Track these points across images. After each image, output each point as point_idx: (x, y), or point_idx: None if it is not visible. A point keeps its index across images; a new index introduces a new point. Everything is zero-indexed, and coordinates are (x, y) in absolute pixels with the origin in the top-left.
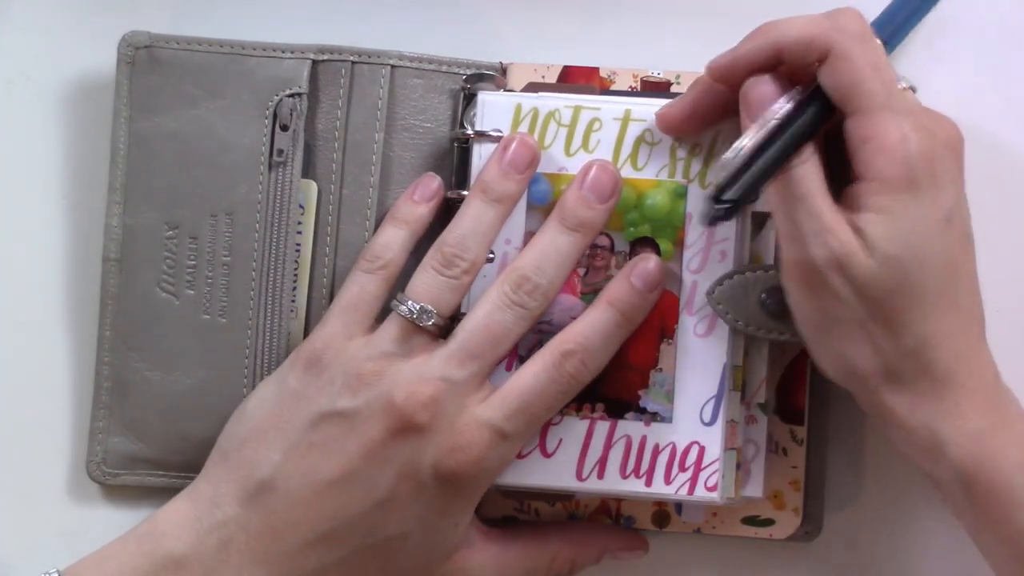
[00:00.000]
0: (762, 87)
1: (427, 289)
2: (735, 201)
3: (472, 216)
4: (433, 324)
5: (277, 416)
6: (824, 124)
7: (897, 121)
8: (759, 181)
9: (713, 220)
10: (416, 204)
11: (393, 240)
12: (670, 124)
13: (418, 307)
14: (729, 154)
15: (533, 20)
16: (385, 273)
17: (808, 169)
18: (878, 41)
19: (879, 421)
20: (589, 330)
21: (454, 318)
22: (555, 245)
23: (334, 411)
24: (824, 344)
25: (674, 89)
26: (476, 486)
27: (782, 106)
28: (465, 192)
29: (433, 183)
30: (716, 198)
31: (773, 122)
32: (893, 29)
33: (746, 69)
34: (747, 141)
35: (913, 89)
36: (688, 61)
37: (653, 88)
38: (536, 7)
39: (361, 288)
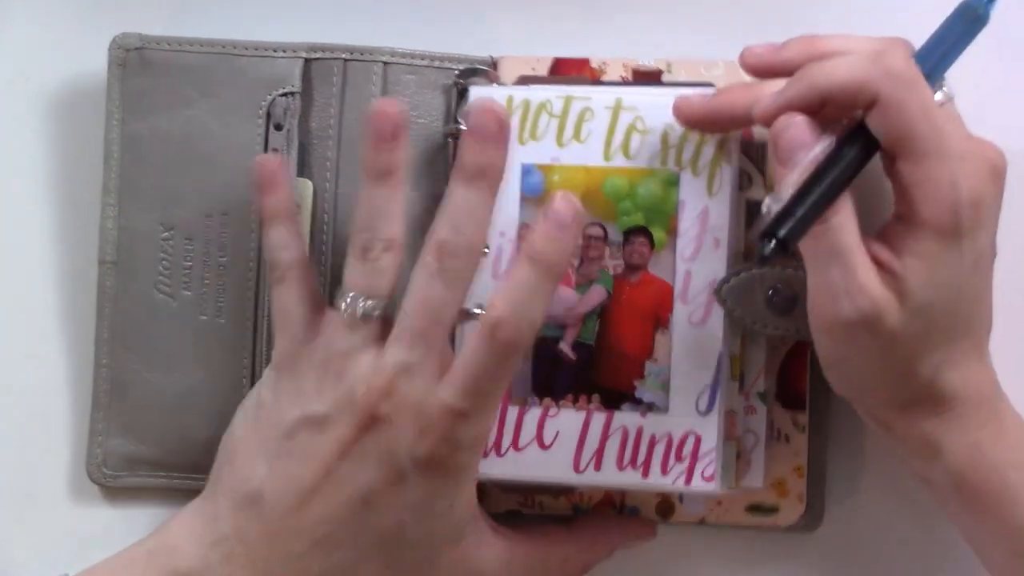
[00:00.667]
0: (794, 131)
1: (355, 279)
2: (786, 239)
3: (366, 200)
4: (370, 308)
5: (256, 429)
6: (863, 166)
7: (948, 166)
8: (810, 218)
9: (764, 260)
10: (270, 195)
11: (279, 238)
12: (688, 118)
13: (356, 299)
14: (781, 191)
15: (523, 13)
16: (294, 272)
17: (844, 220)
18: (926, 82)
19: (875, 428)
20: (516, 291)
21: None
22: (463, 201)
23: (304, 417)
24: (838, 376)
25: (665, 78)
26: (455, 464)
27: (826, 143)
28: None
29: (266, 165)
30: (767, 235)
31: (819, 157)
32: (934, 63)
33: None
34: (796, 177)
35: (950, 98)
36: (679, 49)
37: (644, 78)
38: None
39: (282, 298)
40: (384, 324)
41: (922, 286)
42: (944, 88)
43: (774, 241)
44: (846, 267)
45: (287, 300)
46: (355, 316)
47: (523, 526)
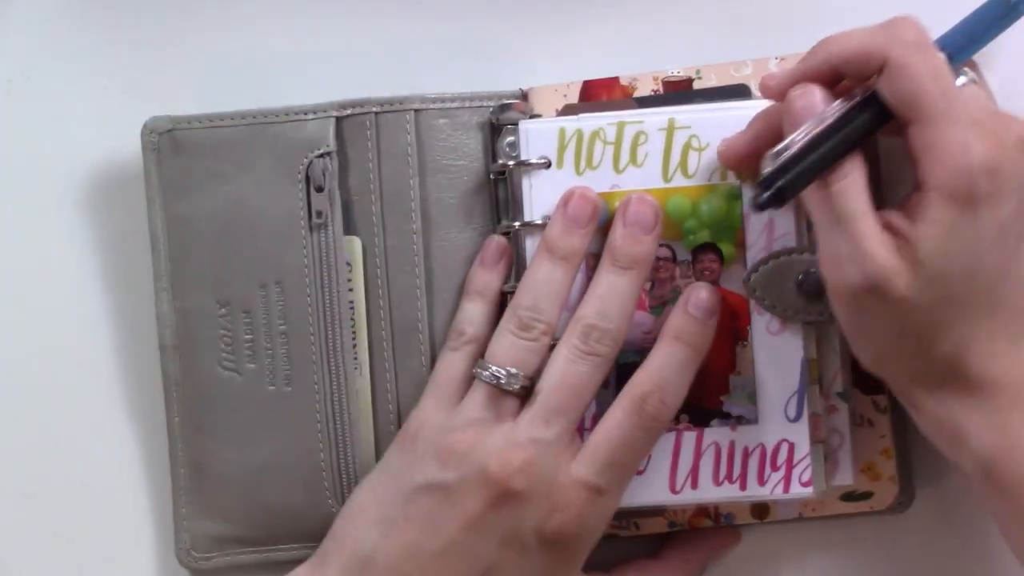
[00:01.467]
0: (808, 97)
1: (508, 353)
2: (781, 190)
3: (543, 277)
4: (520, 387)
5: (375, 493)
6: (873, 132)
7: (959, 130)
8: (807, 175)
9: (758, 207)
10: (484, 271)
11: (473, 313)
12: (734, 160)
13: (504, 372)
14: (780, 146)
15: (545, 41)
16: (470, 348)
17: (850, 185)
18: (937, 49)
19: (905, 406)
20: (663, 367)
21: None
22: (614, 288)
23: (428, 484)
24: (860, 346)
25: (696, 86)
26: (580, 544)
27: (837, 107)
28: (515, 224)
29: (494, 247)
30: (762, 185)
31: (829, 121)
32: (958, 46)
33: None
34: (799, 136)
35: (974, 81)
36: (704, 55)
37: (676, 88)
38: (543, 25)
39: (449, 364)
40: (517, 403)
41: (935, 253)
42: (967, 71)
43: (769, 192)
44: (852, 233)
45: (453, 367)
46: (501, 388)
47: (614, 568)
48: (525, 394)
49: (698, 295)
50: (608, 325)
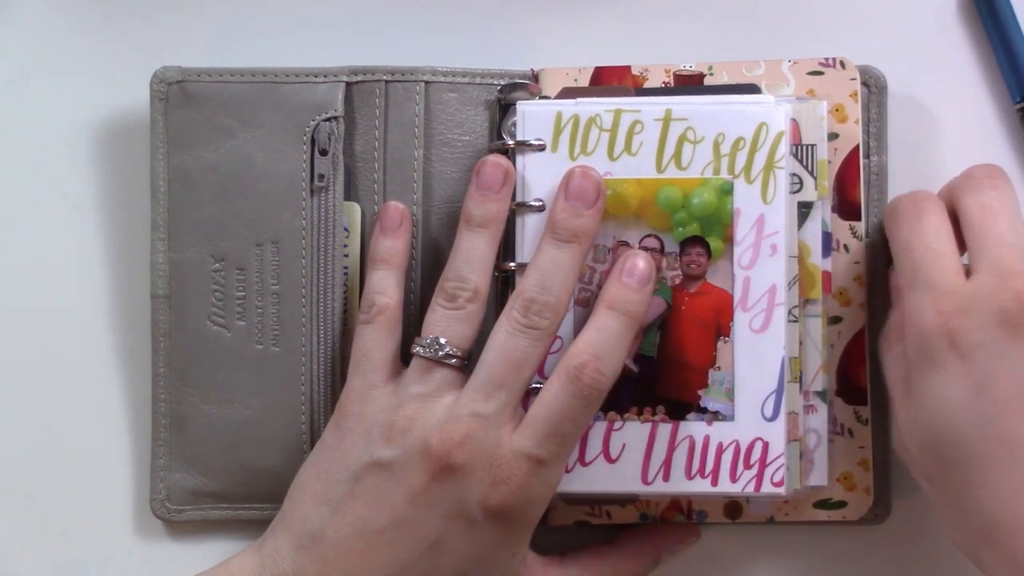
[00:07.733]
0: None
1: (438, 325)
2: None
3: (465, 248)
4: (448, 355)
5: (321, 471)
6: None
7: (916, 298)
8: None
9: None
10: (386, 239)
11: (379, 282)
12: None
13: (433, 343)
14: None
15: (560, 24)
16: (383, 318)
17: None
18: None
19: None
20: (598, 337)
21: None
22: (554, 261)
23: (373, 462)
24: None
25: (707, 81)
26: (526, 515)
27: None
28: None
29: (393, 213)
30: None
31: None
32: None
33: None
34: None
35: None
36: (718, 52)
37: (686, 82)
38: (562, 10)
39: (365, 338)
40: (458, 373)
41: (909, 421)
42: None
43: None
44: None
45: (370, 342)
46: (434, 359)
47: (568, 551)
48: (460, 364)
49: (633, 263)
50: (548, 298)
